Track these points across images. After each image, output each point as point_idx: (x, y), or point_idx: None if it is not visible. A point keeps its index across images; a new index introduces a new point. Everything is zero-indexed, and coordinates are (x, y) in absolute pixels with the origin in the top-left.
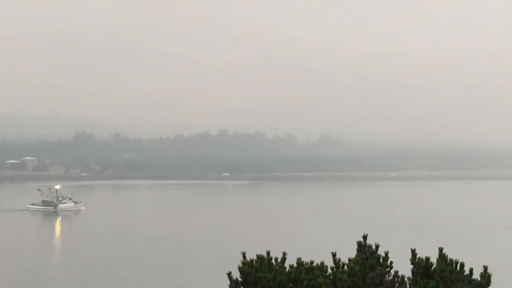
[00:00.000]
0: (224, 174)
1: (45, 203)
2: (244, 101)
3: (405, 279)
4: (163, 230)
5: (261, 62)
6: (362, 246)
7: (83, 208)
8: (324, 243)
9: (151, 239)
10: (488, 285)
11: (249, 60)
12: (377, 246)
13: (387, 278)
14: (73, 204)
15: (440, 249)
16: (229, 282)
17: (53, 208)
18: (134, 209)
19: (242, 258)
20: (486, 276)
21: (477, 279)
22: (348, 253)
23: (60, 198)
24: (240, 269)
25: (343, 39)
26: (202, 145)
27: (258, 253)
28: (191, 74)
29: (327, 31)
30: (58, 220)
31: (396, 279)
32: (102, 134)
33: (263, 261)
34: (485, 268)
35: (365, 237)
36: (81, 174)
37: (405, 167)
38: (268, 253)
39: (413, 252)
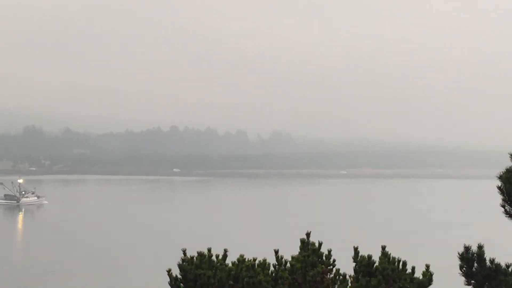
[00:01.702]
0: (174, 170)
1: (7, 197)
2: (195, 97)
3: (347, 277)
4: (108, 226)
5: (210, 58)
6: (305, 244)
7: (46, 202)
8: (269, 240)
9: (100, 234)
10: (430, 284)
11: (199, 57)
12: (320, 244)
13: (328, 276)
14: (36, 198)
15: (383, 247)
16: (168, 279)
17: (15, 202)
18: (85, 204)
19: (183, 255)
20: (428, 275)
21: (419, 277)
22: (291, 250)
23: (23, 192)
24: (179, 266)
25: (294, 37)
26: (152, 141)
27: (199, 250)
28: (142, 69)
29: (276, 29)
30: (20, 214)
31: (337, 277)
32: (52, 128)
33: (204, 258)
34: (427, 266)
35: (308, 235)
36: (30, 169)
37: (355, 165)
38: (209, 250)
39: (356, 250)
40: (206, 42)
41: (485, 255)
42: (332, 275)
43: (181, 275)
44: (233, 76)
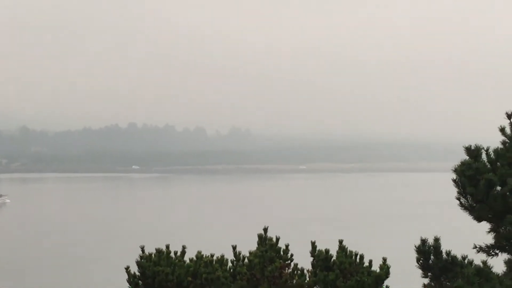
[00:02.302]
0: (133, 167)
1: None
2: (153, 94)
3: (305, 271)
4: (70, 224)
5: (168, 56)
6: (263, 239)
7: (8, 201)
8: (227, 236)
9: (62, 232)
10: (387, 277)
11: (157, 54)
12: (277, 239)
13: (286, 270)
14: None
15: (340, 241)
16: (127, 277)
17: None
18: (47, 202)
19: (141, 252)
20: (385, 268)
21: (376, 270)
22: (249, 246)
23: None
24: (138, 263)
25: (251, 34)
26: (111, 138)
27: (158, 247)
28: (99, 66)
29: (233, 25)
30: None
31: (295, 271)
32: (8, 126)
33: (162, 255)
34: (384, 259)
35: (265, 230)
36: None
37: (314, 159)
38: (167, 246)
39: (313, 244)
40: (164, 41)
41: (442, 247)
42: (290, 270)
43: (139, 272)
44: (190, 73)
